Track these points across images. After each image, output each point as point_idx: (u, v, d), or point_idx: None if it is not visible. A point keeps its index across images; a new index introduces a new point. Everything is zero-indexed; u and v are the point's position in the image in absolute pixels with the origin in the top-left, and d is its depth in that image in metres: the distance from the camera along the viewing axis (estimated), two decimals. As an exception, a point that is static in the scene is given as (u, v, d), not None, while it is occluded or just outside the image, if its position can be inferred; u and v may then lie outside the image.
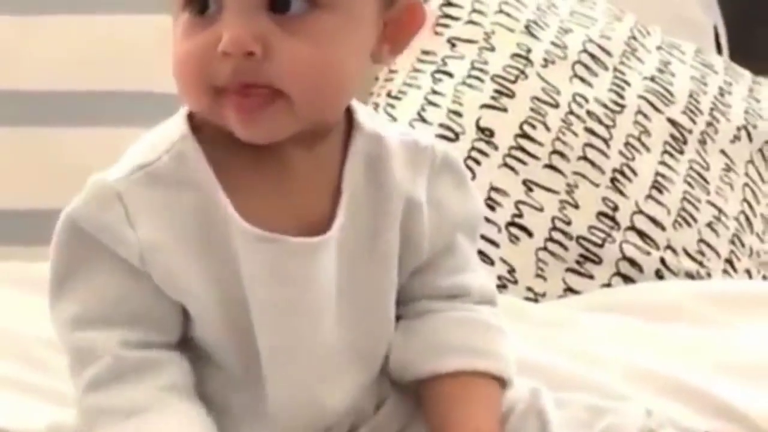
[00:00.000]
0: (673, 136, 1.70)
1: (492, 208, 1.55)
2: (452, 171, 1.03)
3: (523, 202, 1.57)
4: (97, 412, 0.93)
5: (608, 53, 1.72)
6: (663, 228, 1.61)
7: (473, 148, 1.58)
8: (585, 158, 1.62)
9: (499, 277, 1.50)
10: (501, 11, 1.72)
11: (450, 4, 1.73)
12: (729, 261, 1.63)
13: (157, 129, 0.98)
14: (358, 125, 0.99)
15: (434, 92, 1.63)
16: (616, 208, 1.60)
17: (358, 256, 0.97)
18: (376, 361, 1.01)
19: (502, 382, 1.02)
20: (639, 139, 1.67)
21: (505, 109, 1.62)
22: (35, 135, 1.64)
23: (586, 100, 1.66)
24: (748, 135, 1.77)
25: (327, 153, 0.98)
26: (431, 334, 1.02)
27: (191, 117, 0.96)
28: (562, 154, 1.61)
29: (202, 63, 0.91)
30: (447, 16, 1.72)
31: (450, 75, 1.65)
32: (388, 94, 1.65)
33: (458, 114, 1.61)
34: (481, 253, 1.18)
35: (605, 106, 1.67)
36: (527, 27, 1.71)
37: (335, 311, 0.97)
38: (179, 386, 0.94)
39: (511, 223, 1.55)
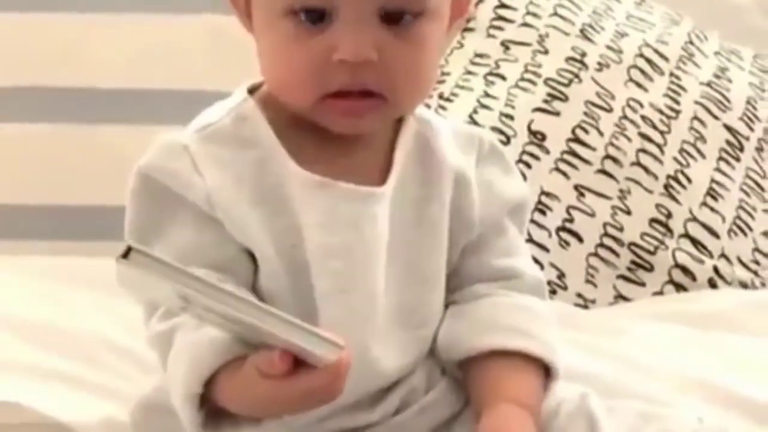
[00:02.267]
0: (729, 143, 1.67)
1: (543, 213, 1.54)
2: (499, 158, 1.09)
3: (575, 207, 1.55)
4: (170, 331, 0.94)
5: (665, 58, 1.70)
6: (717, 236, 1.59)
7: (524, 152, 1.57)
8: (638, 164, 1.60)
9: (549, 283, 1.47)
10: (556, 14, 1.70)
11: (504, 6, 1.71)
12: (784, 271, 1.61)
13: (219, 102, 1.04)
14: None
15: (486, 95, 1.62)
16: (669, 215, 1.59)
17: (407, 224, 1.02)
18: (423, 331, 1.03)
19: (546, 369, 1.03)
20: (694, 146, 1.65)
21: (557, 113, 1.61)
22: (98, 132, 1.65)
23: (641, 105, 1.64)
24: (807, 143, 1.75)
25: (380, 129, 1.03)
26: (478, 315, 1.04)
27: (251, 89, 1.04)
28: (615, 160, 1.60)
29: (318, 69, 0.97)
30: (501, 18, 1.70)
31: (503, 78, 1.64)
32: (440, 96, 1.64)
33: (510, 117, 1.59)
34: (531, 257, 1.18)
35: (660, 111, 1.65)
36: (582, 30, 1.69)
37: (384, 270, 1.00)
38: None
39: (562, 228, 1.54)
